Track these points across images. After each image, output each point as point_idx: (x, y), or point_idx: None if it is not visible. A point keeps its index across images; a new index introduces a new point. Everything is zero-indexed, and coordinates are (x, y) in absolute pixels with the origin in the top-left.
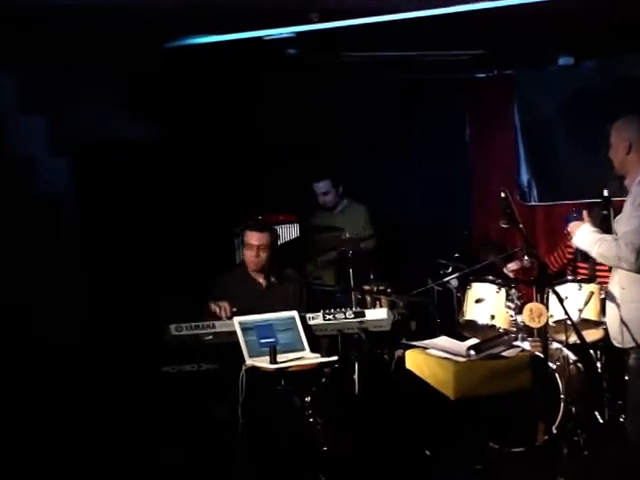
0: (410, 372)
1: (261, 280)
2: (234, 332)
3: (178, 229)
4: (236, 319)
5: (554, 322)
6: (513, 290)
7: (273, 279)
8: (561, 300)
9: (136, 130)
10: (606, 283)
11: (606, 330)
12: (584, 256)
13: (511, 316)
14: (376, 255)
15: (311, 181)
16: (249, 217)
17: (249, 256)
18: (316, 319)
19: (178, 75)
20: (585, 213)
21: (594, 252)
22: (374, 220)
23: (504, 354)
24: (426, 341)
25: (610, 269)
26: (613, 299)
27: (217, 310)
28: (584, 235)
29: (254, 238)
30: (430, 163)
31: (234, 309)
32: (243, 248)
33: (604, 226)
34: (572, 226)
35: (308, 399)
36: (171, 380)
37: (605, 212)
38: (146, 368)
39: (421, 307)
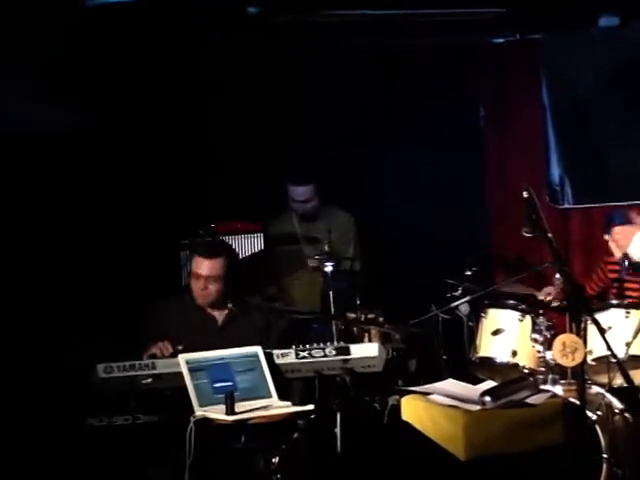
0: (408, 425)
1: (216, 313)
2: (180, 374)
3: (105, 240)
4: (182, 357)
5: (593, 360)
6: (541, 318)
7: (232, 311)
8: (602, 331)
9: (53, 119)
10: None
11: None
12: (633, 273)
13: (538, 352)
14: (364, 274)
15: (284, 182)
16: (199, 225)
17: (195, 289)
18: (287, 357)
19: (102, 45)
20: (636, 215)
21: None
22: (360, 230)
23: (529, 401)
24: (429, 386)
25: None
26: None
27: (157, 353)
28: None
29: (202, 267)
30: (433, 155)
31: (178, 347)
32: (188, 275)
33: None
34: (621, 231)
35: (276, 460)
36: (98, 436)
37: None
38: (65, 421)
39: (422, 341)
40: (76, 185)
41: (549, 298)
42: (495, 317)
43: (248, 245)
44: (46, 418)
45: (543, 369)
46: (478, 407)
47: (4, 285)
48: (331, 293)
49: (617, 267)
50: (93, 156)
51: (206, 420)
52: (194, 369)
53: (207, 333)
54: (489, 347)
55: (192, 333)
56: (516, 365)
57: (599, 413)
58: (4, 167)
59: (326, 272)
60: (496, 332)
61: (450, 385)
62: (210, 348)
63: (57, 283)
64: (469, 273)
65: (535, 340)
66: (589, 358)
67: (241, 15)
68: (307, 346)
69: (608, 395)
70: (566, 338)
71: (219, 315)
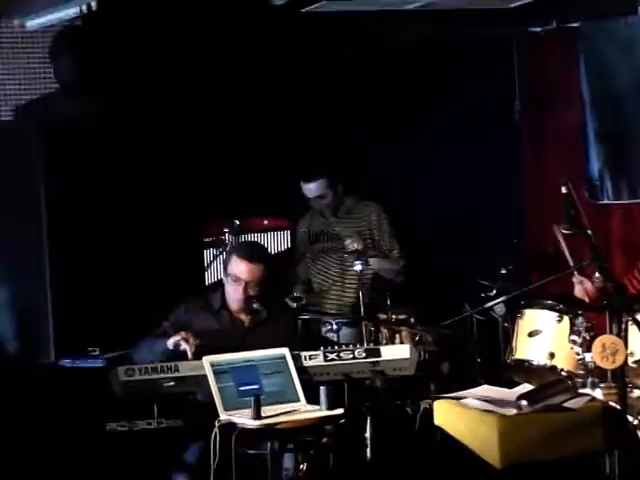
0: (441, 430)
1: (242, 315)
2: (204, 377)
3: (122, 236)
4: (206, 359)
5: (635, 362)
6: (580, 319)
7: (260, 314)
8: None
9: (66, 106)
10: None
11: None
12: None
13: (577, 354)
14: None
15: (299, 180)
16: (224, 223)
17: (233, 292)
18: (315, 359)
19: (121, 32)
20: None
21: None
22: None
23: (567, 405)
24: (463, 392)
25: None
26: None
27: (181, 343)
28: None
29: (243, 270)
30: (467, 150)
31: (200, 343)
32: (224, 274)
33: None
34: None
35: (303, 466)
36: (119, 441)
37: None
38: (84, 426)
39: (456, 343)
40: (95, 175)
41: (588, 286)
42: (531, 318)
43: (275, 242)
44: (65, 423)
45: (582, 372)
46: (514, 411)
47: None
48: (361, 293)
49: None
50: (113, 149)
51: (231, 425)
52: (219, 371)
53: (233, 335)
54: (525, 349)
55: (217, 335)
56: (554, 368)
57: None
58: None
59: (355, 271)
60: (532, 333)
61: (485, 391)
62: (236, 351)
63: (74, 282)
64: (504, 272)
65: (573, 342)
66: (630, 360)
67: (266, 6)
68: (336, 348)
69: None
70: (606, 339)
71: (246, 317)
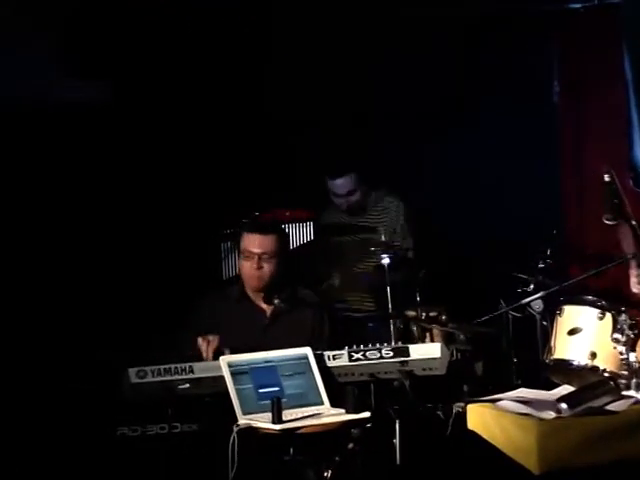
0: (475, 435)
1: (264, 306)
2: (221, 378)
3: (136, 231)
4: (223, 359)
5: None
6: (623, 316)
7: (282, 304)
8: None
9: (76, 89)
10: None
11: None
12: None
13: (620, 353)
14: (422, 267)
15: (325, 174)
16: (242, 214)
17: (248, 269)
18: (339, 359)
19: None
20: None
21: None
22: (417, 220)
23: (610, 408)
24: (498, 395)
25: None
26: None
27: (203, 346)
28: None
29: (255, 243)
30: (502, 135)
31: (225, 350)
32: (238, 258)
33: None
34: None
35: (328, 473)
36: (132, 447)
37: None
38: (95, 431)
39: (490, 341)
40: (107, 167)
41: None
42: (571, 315)
43: (299, 234)
44: (74, 427)
45: (626, 372)
46: (553, 415)
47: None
48: (388, 288)
49: None
50: (123, 135)
51: (250, 429)
52: (237, 372)
53: (254, 328)
54: (565, 348)
55: (237, 328)
56: (595, 368)
57: None
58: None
59: (383, 265)
60: (573, 331)
61: (522, 393)
62: (256, 345)
63: (88, 281)
64: (542, 266)
65: (617, 340)
66: None
67: None
68: (362, 347)
69: None
70: None
71: (267, 307)
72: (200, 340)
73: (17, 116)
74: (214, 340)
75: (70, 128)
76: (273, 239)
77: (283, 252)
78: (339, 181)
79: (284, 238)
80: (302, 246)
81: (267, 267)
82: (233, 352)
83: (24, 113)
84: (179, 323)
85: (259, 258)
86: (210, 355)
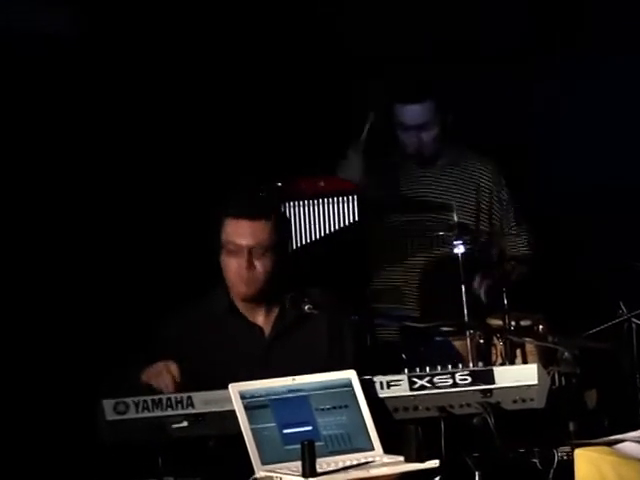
0: None
1: (260, 318)
2: (231, 414)
3: (110, 209)
4: (234, 387)
5: None
6: None
7: (313, 309)
8: None
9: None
10: None
11: None
12: None
13: None
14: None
15: (393, 101)
16: (248, 186)
17: (234, 269)
18: (397, 387)
19: None
20: None
21: None
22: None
23: None
24: (618, 436)
25: None
26: None
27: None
28: None
29: (242, 232)
30: (612, 84)
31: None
32: (221, 255)
33: None
34: None
35: None
36: None
37: None
38: None
39: (607, 360)
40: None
41: None
42: None
43: (337, 213)
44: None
45: None
46: None
47: None
48: (463, 288)
49: None
50: (95, 79)
51: None
52: (253, 406)
53: (249, 351)
54: None
55: (226, 353)
56: None
57: None
58: None
59: (456, 255)
60: None
61: None
62: (254, 375)
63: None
64: None
65: None
66: None
67: None
68: (427, 370)
69: None
70: None
71: (265, 322)
72: (161, 366)
73: None
74: (169, 366)
75: (38, 66)
76: (267, 226)
77: (281, 245)
78: (414, 107)
79: (282, 223)
80: (340, 231)
81: (260, 265)
82: (221, 385)
83: None
84: (134, 348)
85: (249, 253)
86: (170, 387)
